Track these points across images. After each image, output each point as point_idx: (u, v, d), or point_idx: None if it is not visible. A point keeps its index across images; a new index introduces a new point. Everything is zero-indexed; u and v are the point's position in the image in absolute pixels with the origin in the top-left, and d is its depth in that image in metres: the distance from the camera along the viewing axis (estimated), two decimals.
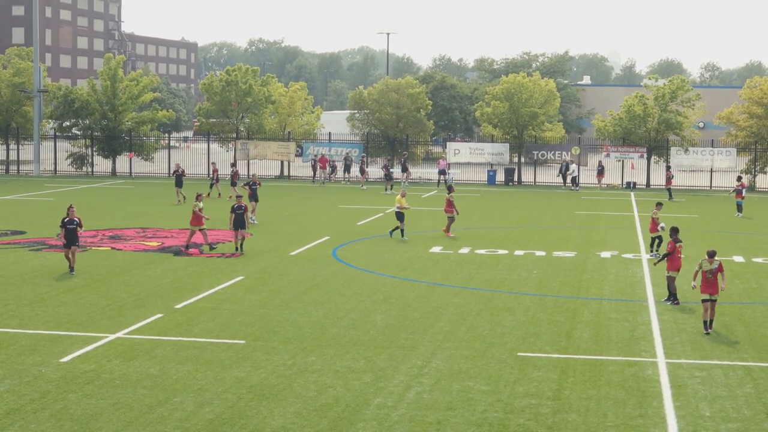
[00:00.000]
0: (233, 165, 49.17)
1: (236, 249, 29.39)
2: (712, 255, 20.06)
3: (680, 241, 22.85)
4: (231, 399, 14.84)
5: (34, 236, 32.62)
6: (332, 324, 19.97)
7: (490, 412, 14.42)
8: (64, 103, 63.88)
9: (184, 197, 44.35)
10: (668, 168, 53.96)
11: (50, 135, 67.48)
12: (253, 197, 37.31)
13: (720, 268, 19.92)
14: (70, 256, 25.52)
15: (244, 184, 39.45)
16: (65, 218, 25.79)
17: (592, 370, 16.77)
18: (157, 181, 59.85)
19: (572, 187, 57.16)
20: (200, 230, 29.93)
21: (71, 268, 25.44)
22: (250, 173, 46.99)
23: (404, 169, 57.73)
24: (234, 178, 46.10)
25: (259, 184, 38.45)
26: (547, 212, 43.32)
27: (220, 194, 47.00)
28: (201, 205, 29.99)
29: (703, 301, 19.86)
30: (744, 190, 42.96)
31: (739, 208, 42.33)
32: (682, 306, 22.29)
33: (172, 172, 45.39)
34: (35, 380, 15.65)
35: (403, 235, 33.10)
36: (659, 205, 30.65)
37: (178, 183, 45.30)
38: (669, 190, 51.20)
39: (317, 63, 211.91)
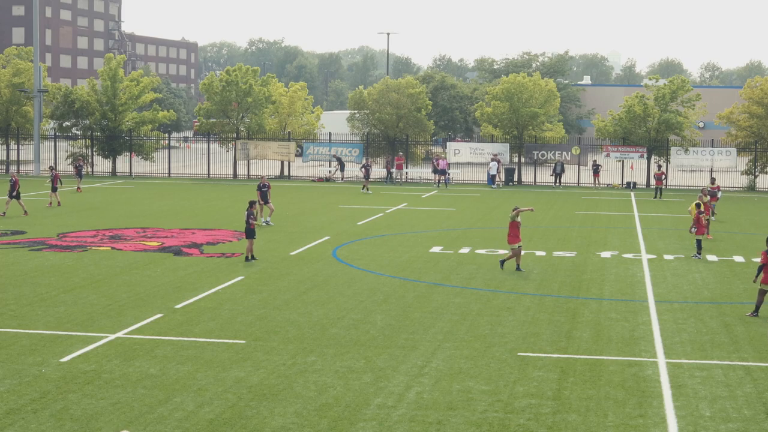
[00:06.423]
0: (52, 168, 45.77)
1: (246, 258, 27.84)
2: None
3: None
4: (231, 399, 14.83)
5: (34, 236, 32.59)
6: (332, 324, 19.96)
7: (490, 412, 14.42)
8: (64, 103, 63.89)
9: (59, 202, 42.10)
10: (659, 167, 54.10)
11: (50, 135, 67.49)
12: (263, 199, 36.61)
13: None
14: None
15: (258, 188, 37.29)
16: None
17: (592, 370, 16.77)
18: (157, 181, 59.90)
19: (493, 186, 58.16)
20: (519, 248, 26.85)
21: None
22: (259, 174, 45.99)
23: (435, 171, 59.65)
24: (54, 182, 42.80)
25: (269, 186, 37.21)
26: (547, 212, 43.27)
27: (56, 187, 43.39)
28: (518, 218, 27.10)
29: None
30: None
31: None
32: (682, 306, 22.29)
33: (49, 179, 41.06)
34: (35, 380, 15.64)
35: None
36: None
37: (54, 189, 41.90)
38: (660, 189, 51.34)
39: (317, 63, 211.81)
